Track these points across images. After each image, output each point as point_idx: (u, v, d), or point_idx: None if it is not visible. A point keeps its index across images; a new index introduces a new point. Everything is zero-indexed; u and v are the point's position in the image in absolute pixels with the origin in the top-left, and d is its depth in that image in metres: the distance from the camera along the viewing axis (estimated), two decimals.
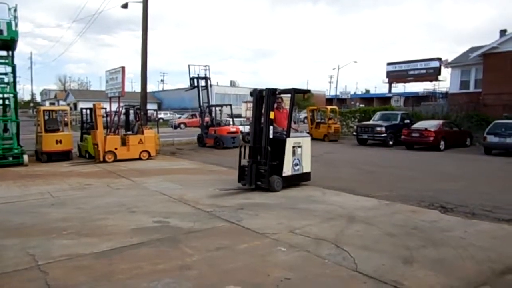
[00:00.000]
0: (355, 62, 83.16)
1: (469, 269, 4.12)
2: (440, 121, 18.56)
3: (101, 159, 12.60)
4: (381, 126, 19.17)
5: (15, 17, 12.01)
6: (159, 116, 43.56)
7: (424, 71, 52.65)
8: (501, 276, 3.98)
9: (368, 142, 19.74)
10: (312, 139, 9.56)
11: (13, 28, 11.77)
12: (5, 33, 11.57)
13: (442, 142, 17.05)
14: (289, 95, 8.45)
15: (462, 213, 6.46)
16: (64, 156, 13.15)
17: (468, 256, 4.49)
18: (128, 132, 14.30)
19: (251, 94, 8.43)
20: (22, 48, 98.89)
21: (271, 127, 8.00)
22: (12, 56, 12.84)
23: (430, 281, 3.82)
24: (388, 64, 56.72)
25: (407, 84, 59.46)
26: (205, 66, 19.01)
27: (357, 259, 4.35)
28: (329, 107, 24.12)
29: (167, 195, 7.75)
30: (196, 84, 18.63)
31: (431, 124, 17.83)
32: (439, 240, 5.06)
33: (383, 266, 4.18)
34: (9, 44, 12.16)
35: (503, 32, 26.10)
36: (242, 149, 8.42)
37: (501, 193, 8.19)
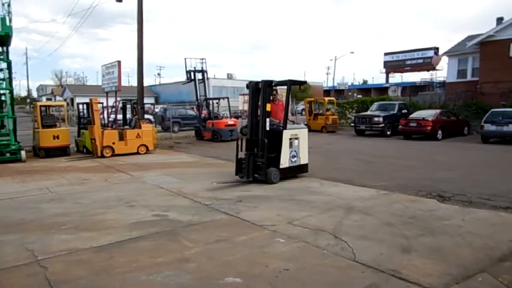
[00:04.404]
0: (352, 52, 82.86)
1: (466, 257, 4.15)
2: (438, 111, 18.58)
3: (99, 154, 12.58)
4: (378, 116, 19.18)
5: (9, 12, 11.91)
6: (156, 109, 43.29)
7: (421, 61, 52.50)
8: (498, 263, 4.01)
9: (366, 133, 19.75)
10: (310, 130, 9.59)
11: (7, 23, 11.68)
12: None
13: (440, 132, 17.08)
14: (286, 87, 8.43)
15: (460, 201, 6.49)
16: (61, 151, 13.13)
17: (465, 244, 4.52)
18: (126, 127, 14.27)
19: (247, 86, 8.40)
20: (17, 44, 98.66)
21: (267, 120, 7.99)
22: (7, 52, 12.77)
23: (428, 269, 3.85)
24: (385, 54, 56.51)
25: (404, 74, 59.38)
26: (202, 59, 18.94)
27: (355, 249, 4.38)
28: (326, 99, 24.08)
29: (166, 189, 7.76)
30: (193, 77, 18.56)
31: (428, 114, 17.85)
32: (437, 228, 5.09)
33: (381, 255, 4.20)
34: (3, 39, 12.07)
35: (499, 20, 26.01)
36: (240, 142, 8.42)
37: (498, 181, 8.22)
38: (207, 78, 19.43)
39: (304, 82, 9.48)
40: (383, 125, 18.84)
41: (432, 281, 3.58)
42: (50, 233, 5.14)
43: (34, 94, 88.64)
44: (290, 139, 8.27)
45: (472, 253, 4.25)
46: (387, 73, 57.43)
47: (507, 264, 4.00)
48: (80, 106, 15.75)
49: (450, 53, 27.61)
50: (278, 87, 8.74)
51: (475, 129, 18.05)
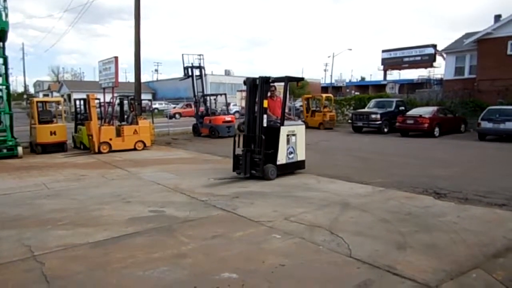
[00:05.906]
0: (350, 49, 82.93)
1: (461, 253, 4.18)
2: (435, 108, 18.61)
3: (96, 150, 12.56)
4: (376, 113, 19.21)
5: (5, 7, 11.85)
6: (154, 106, 43.24)
7: (419, 58, 52.50)
8: (492, 259, 4.04)
9: (363, 130, 19.79)
10: (308, 127, 9.59)
11: (3, 18, 11.64)
12: None
13: (437, 129, 17.12)
14: (283, 83, 8.42)
15: (456, 198, 6.52)
16: (58, 147, 13.11)
17: (460, 240, 4.55)
18: (123, 123, 14.24)
19: (245, 82, 8.39)
20: (13, 39, 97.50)
21: (265, 116, 7.98)
22: (3, 47, 12.71)
23: (422, 265, 3.87)
24: (383, 51, 56.50)
25: (402, 71, 59.42)
26: (200, 55, 18.91)
27: (351, 245, 4.40)
28: (324, 95, 24.05)
29: (163, 185, 7.76)
30: (190, 73, 18.52)
31: (425, 111, 17.88)
32: (432, 225, 5.11)
33: (377, 251, 4.23)
34: None
35: (497, 17, 26.02)
36: (237, 138, 8.42)
37: (494, 178, 8.26)
38: (205, 75, 19.40)
39: (301, 79, 9.46)
40: (380, 122, 18.87)
41: (427, 277, 3.60)
42: (47, 229, 5.15)
43: (31, 90, 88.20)
44: (287, 135, 8.27)
45: (466, 250, 4.27)
46: (385, 70, 57.45)
47: (501, 260, 4.03)
48: (77, 102, 15.71)
49: (447, 51, 27.60)
50: (276, 84, 8.73)
51: (472, 127, 18.08)
